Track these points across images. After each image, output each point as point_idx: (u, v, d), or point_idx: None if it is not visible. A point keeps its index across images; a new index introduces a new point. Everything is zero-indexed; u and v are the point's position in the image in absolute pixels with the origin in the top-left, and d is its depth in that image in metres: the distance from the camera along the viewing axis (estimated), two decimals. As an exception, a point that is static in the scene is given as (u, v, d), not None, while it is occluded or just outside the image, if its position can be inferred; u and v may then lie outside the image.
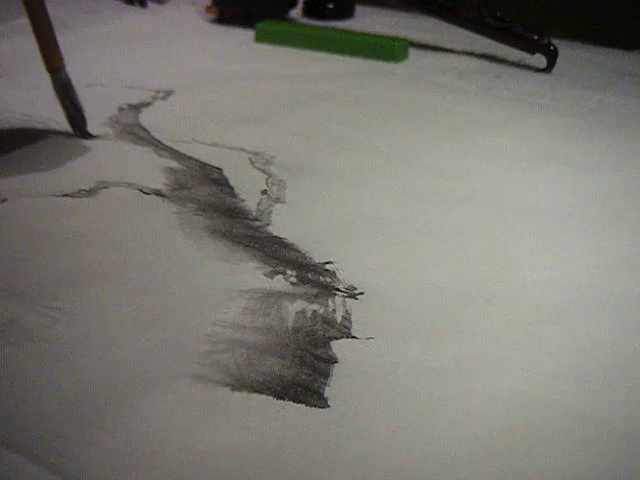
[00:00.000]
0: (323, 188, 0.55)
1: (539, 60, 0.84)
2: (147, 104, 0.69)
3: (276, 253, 0.46)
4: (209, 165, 0.57)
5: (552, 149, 0.64)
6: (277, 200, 0.53)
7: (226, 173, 0.56)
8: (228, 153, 0.60)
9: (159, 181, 0.54)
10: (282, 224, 0.50)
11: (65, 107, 0.60)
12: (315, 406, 0.35)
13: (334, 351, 0.38)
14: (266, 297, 0.42)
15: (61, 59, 0.59)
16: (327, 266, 0.45)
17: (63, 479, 0.30)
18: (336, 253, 0.47)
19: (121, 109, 0.67)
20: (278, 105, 0.71)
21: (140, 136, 0.62)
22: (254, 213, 0.51)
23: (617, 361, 0.39)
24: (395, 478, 0.31)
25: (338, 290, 0.43)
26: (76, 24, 0.88)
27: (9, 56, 0.79)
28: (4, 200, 0.50)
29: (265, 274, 0.44)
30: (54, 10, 0.91)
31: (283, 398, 0.35)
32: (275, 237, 0.48)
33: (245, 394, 0.35)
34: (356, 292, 0.43)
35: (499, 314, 0.42)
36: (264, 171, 0.57)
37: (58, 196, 0.51)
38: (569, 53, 0.87)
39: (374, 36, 0.89)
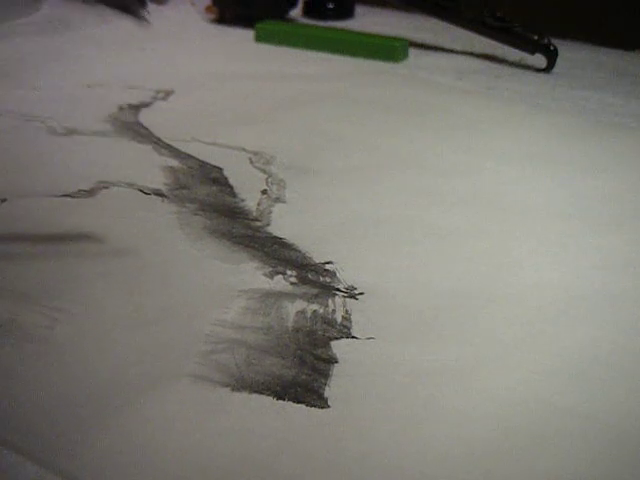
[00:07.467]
0: (323, 188, 0.55)
1: (539, 60, 0.84)
2: (147, 104, 0.69)
3: (276, 253, 0.46)
4: (209, 164, 0.57)
5: (552, 149, 0.64)
6: (277, 200, 0.53)
7: (226, 172, 0.56)
8: (228, 152, 0.60)
9: (159, 181, 0.54)
10: (282, 224, 0.50)
11: None
12: (315, 406, 0.34)
13: (334, 351, 0.38)
14: (266, 297, 0.42)
15: None
16: (327, 266, 0.45)
17: (63, 479, 0.30)
18: (336, 253, 0.47)
19: (121, 109, 0.67)
20: (278, 105, 0.70)
21: (140, 134, 0.62)
22: (254, 213, 0.51)
23: (617, 361, 0.39)
24: (395, 478, 0.31)
25: (338, 290, 0.43)
26: (76, 24, 0.88)
27: (9, 56, 0.79)
28: (4, 200, 0.50)
29: (265, 274, 0.44)
30: (54, 10, 0.92)
31: (283, 398, 0.35)
32: (275, 237, 0.48)
33: (245, 394, 0.35)
34: (356, 292, 0.43)
35: (499, 314, 0.42)
36: (264, 171, 0.57)
37: (58, 196, 0.51)
38: (569, 53, 0.87)
39: (374, 36, 0.88)
